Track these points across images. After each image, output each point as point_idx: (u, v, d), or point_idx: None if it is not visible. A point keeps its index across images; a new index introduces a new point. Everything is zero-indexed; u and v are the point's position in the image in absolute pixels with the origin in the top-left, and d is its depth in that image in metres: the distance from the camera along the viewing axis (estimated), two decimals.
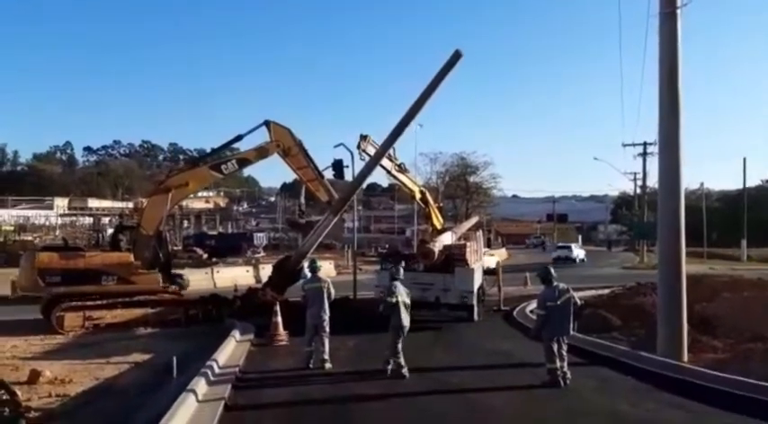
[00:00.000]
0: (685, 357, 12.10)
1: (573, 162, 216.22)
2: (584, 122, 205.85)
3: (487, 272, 21.93)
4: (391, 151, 19.72)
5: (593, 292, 24.87)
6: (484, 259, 22.24)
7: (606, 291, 23.68)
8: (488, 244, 25.27)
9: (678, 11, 12.30)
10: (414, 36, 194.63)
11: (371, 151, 18.61)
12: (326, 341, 11.64)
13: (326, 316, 11.67)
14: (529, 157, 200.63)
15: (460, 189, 71.74)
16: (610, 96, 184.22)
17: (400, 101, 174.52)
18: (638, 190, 57.83)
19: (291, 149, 19.12)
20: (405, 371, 10.67)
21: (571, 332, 10.46)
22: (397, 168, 21.17)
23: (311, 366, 11.50)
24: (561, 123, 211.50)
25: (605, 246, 79.42)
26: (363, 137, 19.00)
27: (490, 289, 22.84)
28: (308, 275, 12.98)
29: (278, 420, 8.68)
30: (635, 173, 56.11)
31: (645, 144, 49.38)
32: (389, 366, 10.78)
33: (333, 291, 12.04)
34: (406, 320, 10.89)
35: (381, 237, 65.25)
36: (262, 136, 19.15)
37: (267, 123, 18.97)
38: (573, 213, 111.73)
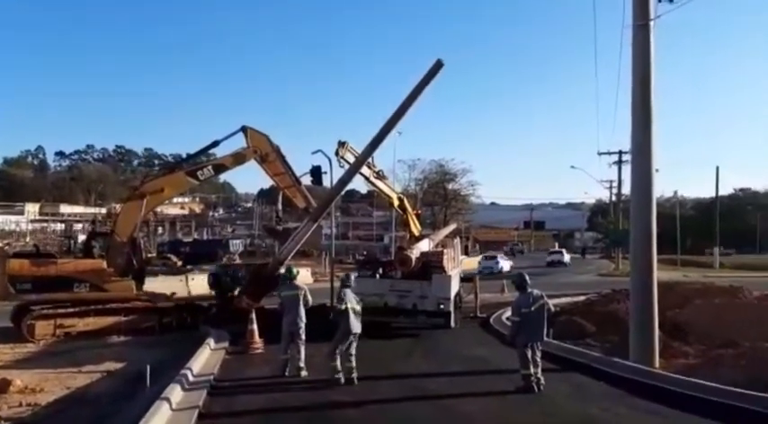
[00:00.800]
0: (657, 363, 12.28)
1: (551, 169, 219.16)
2: (562, 130, 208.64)
3: (464, 279, 22.08)
4: (370, 158, 19.62)
5: (568, 299, 25.14)
6: (464, 264, 22.42)
7: (581, 298, 23.97)
8: (466, 252, 25.34)
9: (651, 23, 12.57)
10: (393, 43, 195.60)
11: (350, 158, 18.57)
12: (302, 349, 11.57)
13: (303, 323, 11.63)
14: (507, 165, 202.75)
15: (439, 196, 72.17)
16: (587, 103, 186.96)
17: (381, 108, 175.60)
18: (614, 198, 58.68)
19: (269, 155, 19.00)
20: (340, 376, 10.69)
21: (545, 339, 10.56)
22: (375, 175, 21.14)
23: (287, 374, 11.46)
24: (539, 130, 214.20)
25: (580, 253, 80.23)
26: (341, 144, 18.90)
27: (467, 296, 22.99)
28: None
29: None
30: (611, 181, 56.96)
31: (620, 152, 50.13)
32: (337, 375, 10.73)
33: (310, 298, 12.01)
34: (355, 326, 10.94)
35: (360, 244, 65.10)
36: (239, 142, 19.05)
37: (244, 129, 18.83)
38: (550, 220, 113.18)
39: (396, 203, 23.36)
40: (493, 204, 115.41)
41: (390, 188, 23.81)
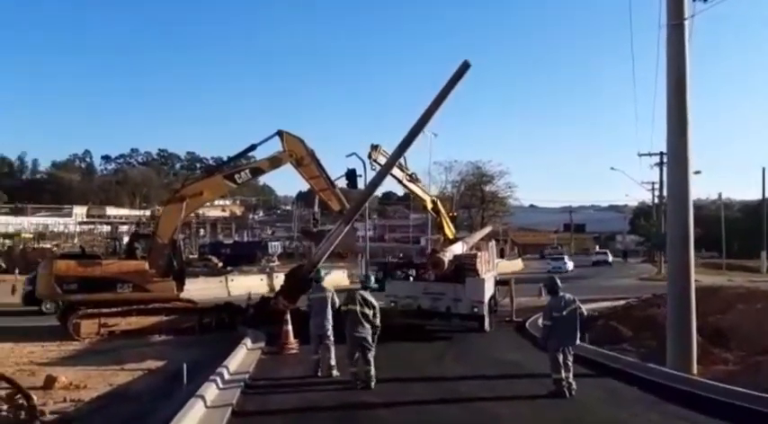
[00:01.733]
0: (695, 369, 12.05)
1: (592, 171, 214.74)
2: (602, 130, 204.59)
3: (500, 282, 21.96)
4: (402, 161, 19.85)
5: (607, 303, 24.79)
6: (501, 268, 22.35)
7: (621, 302, 23.59)
8: (501, 255, 25.21)
9: (686, 22, 12.35)
10: (429, 45, 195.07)
11: (382, 161, 18.75)
12: (332, 349, 11.72)
13: (330, 325, 11.80)
14: (546, 167, 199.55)
15: (476, 198, 71.75)
16: (627, 103, 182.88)
17: (416, 110, 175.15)
18: (656, 200, 57.35)
19: (304, 159, 19.37)
20: (356, 381, 10.63)
21: (577, 343, 10.47)
22: (407, 178, 21.28)
23: (319, 374, 11.63)
24: (578, 132, 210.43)
25: (621, 256, 78.64)
26: (374, 147, 19.15)
27: (503, 300, 22.87)
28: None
29: None
30: (653, 183, 55.68)
31: (661, 153, 48.84)
32: (354, 379, 10.73)
33: (337, 301, 12.11)
34: (356, 329, 10.68)
35: (396, 246, 65.24)
36: (275, 146, 19.46)
37: (280, 133, 19.21)
38: (591, 223, 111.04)
39: (429, 206, 23.46)
40: (532, 206, 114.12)
41: (424, 190, 23.92)
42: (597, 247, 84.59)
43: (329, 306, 11.91)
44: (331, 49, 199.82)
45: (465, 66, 16.01)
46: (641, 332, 16.42)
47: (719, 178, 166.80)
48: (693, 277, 12.49)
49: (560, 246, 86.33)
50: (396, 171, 19.73)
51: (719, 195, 63.77)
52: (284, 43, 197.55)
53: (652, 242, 59.35)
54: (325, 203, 20.29)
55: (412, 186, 22.02)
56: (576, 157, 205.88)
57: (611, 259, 67.74)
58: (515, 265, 55.80)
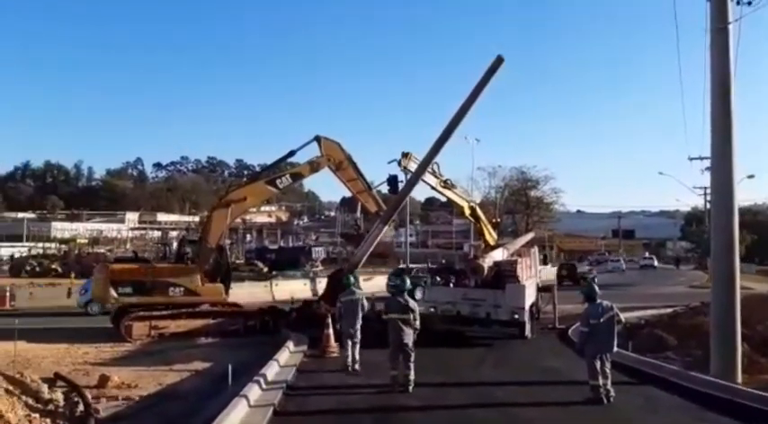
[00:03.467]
0: (739, 378, 11.80)
1: (641, 176, 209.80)
2: (651, 134, 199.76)
3: (543, 289, 21.77)
4: (435, 167, 20.06)
5: (654, 311, 24.28)
6: (546, 274, 22.20)
7: (668, 310, 23.11)
8: (545, 261, 24.95)
9: (729, 26, 12.17)
10: (473, 48, 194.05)
11: (413, 167, 18.85)
12: (358, 347, 12.67)
13: (359, 326, 12.74)
14: (594, 172, 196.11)
15: (520, 203, 70.93)
16: (675, 107, 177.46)
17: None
18: (708, 206, 55.61)
19: (342, 163, 19.81)
20: (394, 384, 10.90)
21: (615, 350, 10.41)
22: (442, 184, 21.23)
23: (350, 369, 12.42)
24: (627, 136, 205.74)
25: (673, 263, 76.57)
26: (405, 155, 19.32)
27: (545, 307, 22.66)
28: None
29: None
30: (704, 188, 54.01)
31: None
32: (394, 382, 10.97)
33: (366, 304, 13.12)
34: (398, 335, 10.89)
35: (438, 252, 65.10)
36: (314, 151, 19.99)
37: (318, 138, 19.69)
38: (640, 229, 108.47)
39: (467, 212, 23.35)
40: (579, 212, 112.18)
41: (460, 196, 23.80)
42: (646, 253, 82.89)
43: (359, 308, 12.74)
44: (372, 50, 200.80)
45: (498, 62, 15.82)
46: (687, 341, 16.10)
47: None
48: (738, 284, 12.26)
49: (608, 252, 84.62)
50: (429, 177, 19.84)
51: None
52: (334, 49, 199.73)
53: (703, 249, 57.65)
54: (363, 205, 20.75)
55: (447, 192, 21.96)
56: (624, 162, 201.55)
57: (656, 263, 73.33)
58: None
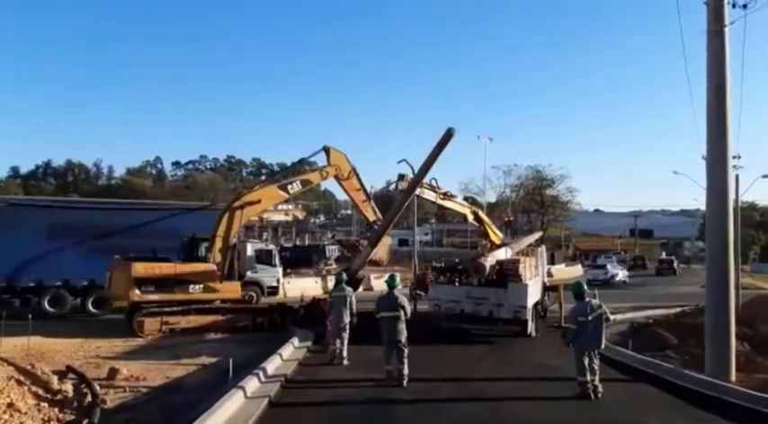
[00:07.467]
0: (733, 377, 11.95)
1: (660, 175, 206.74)
2: (668, 133, 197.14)
3: (549, 288, 21.92)
4: (434, 182, 21.62)
5: (662, 311, 24.41)
6: (558, 273, 22.48)
7: (676, 310, 23.21)
8: (552, 260, 25.10)
9: (726, 29, 12.31)
10: (474, 46, 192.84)
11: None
12: (346, 342, 13.36)
13: (347, 320, 13.39)
14: (612, 171, 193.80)
15: (535, 202, 70.65)
16: (698, 106, 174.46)
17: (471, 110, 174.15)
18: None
19: (348, 173, 21.02)
20: (389, 378, 11.29)
21: (602, 347, 10.64)
22: (441, 197, 22.37)
23: (334, 362, 13.20)
24: (643, 134, 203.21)
25: (682, 262, 75.72)
26: (401, 177, 20.61)
27: (551, 305, 22.83)
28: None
29: (315, 416, 9.51)
30: None
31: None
32: (389, 377, 11.37)
33: (354, 301, 13.77)
34: (391, 332, 11.34)
35: (452, 251, 65.09)
36: (323, 159, 21.13)
37: (326, 149, 20.75)
38: (659, 228, 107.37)
39: (470, 218, 24.46)
40: (596, 211, 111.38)
41: (461, 204, 25.08)
42: (663, 254, 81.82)
43: (347, 303, 13.39)
44: (390, 54, 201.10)
45: (448, 135, 17.31)
46: (688, 340, 16.28)
47: None
48: (732, 284, 12.41)
49: (623, 252, 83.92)
50: (427, 193, 21.56)
51: None
52: (341, 53, 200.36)
53: None
54: (362, 213, 22.25)
55: (448, 203, 23.28)
56: (643, 160, 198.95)
57: (675, 264, 67.73)
58: (576, 271, 54.60)
